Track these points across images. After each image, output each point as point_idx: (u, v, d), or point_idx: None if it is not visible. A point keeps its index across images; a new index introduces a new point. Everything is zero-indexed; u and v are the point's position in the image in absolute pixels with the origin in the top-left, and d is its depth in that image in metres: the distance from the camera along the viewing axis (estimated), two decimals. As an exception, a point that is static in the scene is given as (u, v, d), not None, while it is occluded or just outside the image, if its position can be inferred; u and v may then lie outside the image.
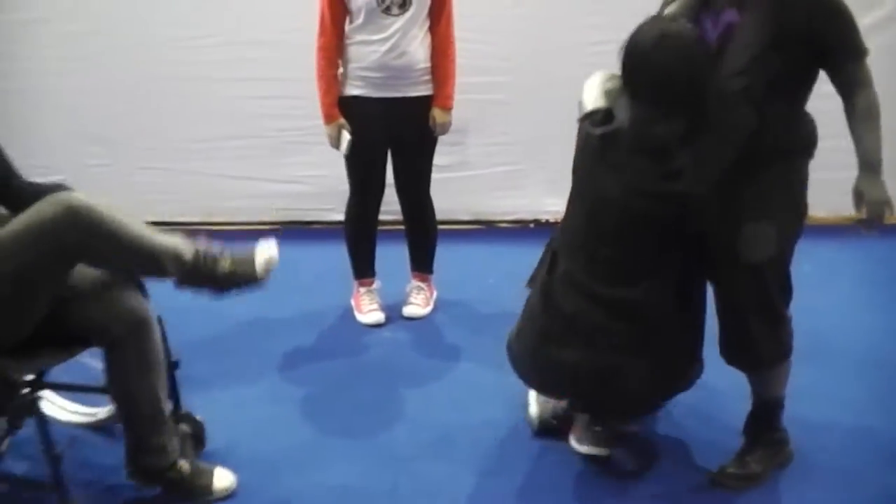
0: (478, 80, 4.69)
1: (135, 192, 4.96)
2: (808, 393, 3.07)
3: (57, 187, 2.74)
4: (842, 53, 2.52)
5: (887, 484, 2.86)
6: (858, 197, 2.56)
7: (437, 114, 3.79)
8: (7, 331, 2.46)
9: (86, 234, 2.42)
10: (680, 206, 2.59)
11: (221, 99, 4.93)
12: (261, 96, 4.91)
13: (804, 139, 2.65)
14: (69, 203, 2.43)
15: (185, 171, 5.06)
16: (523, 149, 4.94)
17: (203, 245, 2.57)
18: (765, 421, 2.89)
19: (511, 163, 5.01)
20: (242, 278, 2.57)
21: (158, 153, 5.05)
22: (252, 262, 2.58)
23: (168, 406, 2.75)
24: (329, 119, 3.77)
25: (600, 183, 2.67)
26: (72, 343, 2.63)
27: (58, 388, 3.02)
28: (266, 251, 2.60)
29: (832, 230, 4.16)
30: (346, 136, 3.75)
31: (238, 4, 4.79)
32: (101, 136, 5.02)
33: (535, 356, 2.85)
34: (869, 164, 2.53)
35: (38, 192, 2.75)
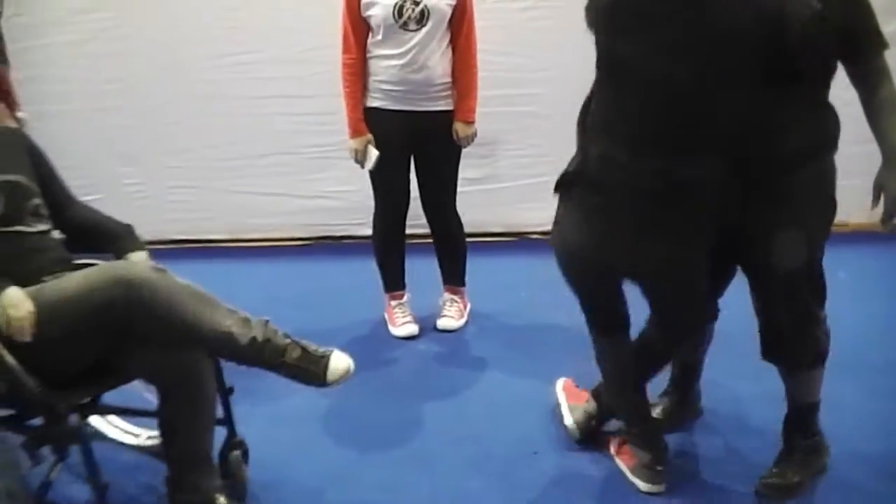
0: (509, 92, 4.72)
1: (166, 211, 5.01)
2: (838, 405, 3.03)
3: (125, 228, 2.79)
4: (866, 42, 2.44)
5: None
6: (878, 190, 2.49)
7: (459, 127, 3.80)
8: (54, 372, 2.43)
9: (139, 318, 2.39)
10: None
11: (249, 117, 4.98)
12: (288, 113, 4.95)
13: (830, 133, 2.55)
14: (128, 283, 2.39)
15: (215, 189, 5.12)
16: (554, 160, 4.86)
17: (267, 330, 2.52)
18: (801, 426, 2.85)
19: (542, 174, 4.97)
20: (308, 377, 2.54)
21: (189, 172, 5.11)
22: (325, 365, 2.53)
23: (215, 438, 2.69)
24: (356, 133, 3.79)
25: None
26: (124, 376, 2.62)
27: (105, 412, 3.00)
28: (343, 361, 2.55)
29: (868, 236, 4.13)
30: (372, 152, 3.78)
31: (265, 23, 4.84)
32: (133, 156, 5.09)
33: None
34: (894, 158, 2.46)
35: (99, 225, 2.82)
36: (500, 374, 3.69)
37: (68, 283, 2.45)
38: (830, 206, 2.60)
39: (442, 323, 4.10)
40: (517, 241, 5.14)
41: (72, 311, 2.38)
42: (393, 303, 4.11)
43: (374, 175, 3.88)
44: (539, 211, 5.06)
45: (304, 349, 2.53)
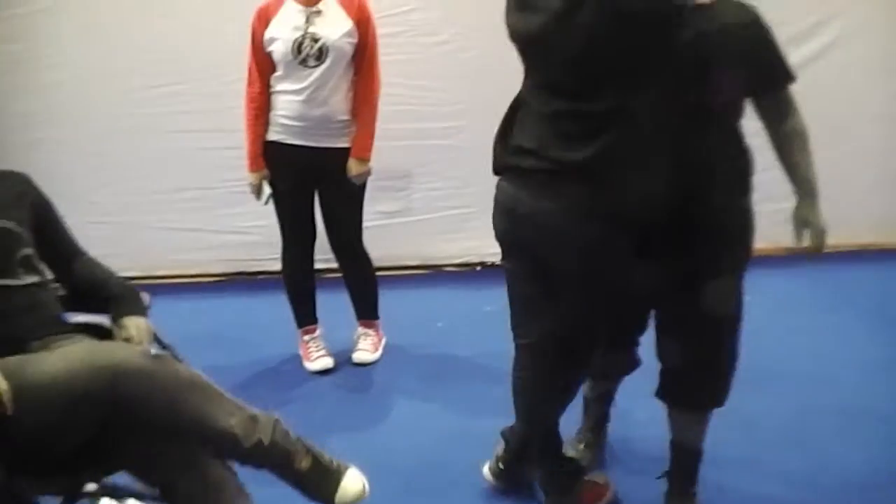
0: (425, 125, 4.75)
1: (86, 247, 4.91)
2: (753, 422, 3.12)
3: (126, 290, 2.60)
4: (774, 75, 2.47)
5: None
6: (803, 225, 2.54)
7: (352, 164, 3.79)
8: (31, 456, 2.15)
9: (126, 413, 2.11)
10: None
11: (168, 151, 4.92)
12: (206, 147, 4.91)
13: (746, 170, 2.56)
14: (111, 375, 2.08)
15: (133, 225, 5.04)
16: (469, 192, 4.98)
17: (276, 432, 2.28)
18: (690, 473, 2.85)
19: (457, 207, 5.06)
20: (315, 492, 2.31)
21: (108, 207, 5.01)
22: (335, 482, 2.31)
23: None
24: (253, 167, 3.81)
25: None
26: (115, 464, 2.30)
27: (117, 494, 2.56)
28: (356, 483, 2.35)
29: (770, 261, 4.25)
30: (266, 188, 3.82)
31: (184, 56, 4.79)
32: (53, 191, 4.97)
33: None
34: (811, 191, 2.52)
35: (98, 284, 2.63)
36: (418, 407, 3.70)
37: (50, 364, 2.15)
38: (750, 248, 2.61)
39: (357, 356, 4.10)
40: (432, 274, 5.16)
41: (48, 397, 2.08)
42: (306, 337, 4.09)
43: (279, 210, 3.89)
44: (454, 243, 5.14)
45: (315, 458, 2.30)
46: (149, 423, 2.14)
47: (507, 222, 2.55)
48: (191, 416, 2.17)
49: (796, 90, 2.50)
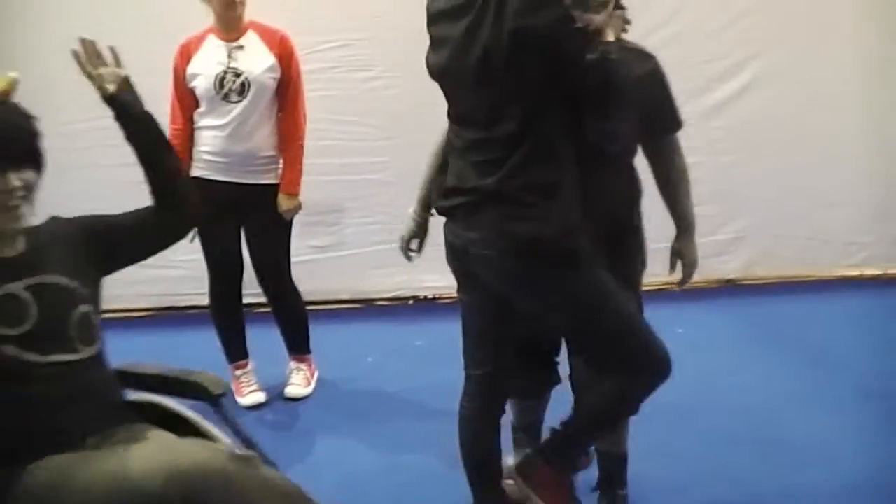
0: (354, 160, 4.77)
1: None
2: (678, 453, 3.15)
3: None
4: (666, 122, 2.67)
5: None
6: (677, 257, 2.77)
7: (282, 199, 3.80)
8: None
9: None
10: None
11: (91, 185, 4.86)
12: (131, 181, 4.84)
13: (637, 199, 2.75)
14: (186, 483, 1.74)
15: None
16: (400, 226, 4.98)
17: None
18: (618, 477, 2.96)
19: (389, 241, 5.00)
20: None
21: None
22: None
23: None
24: None
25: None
26: None
27: None
28: None
29: (700, 293, 4.34)
30: None
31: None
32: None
33: None
34: (689, 226, 2.75)
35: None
36: (344, 443, 3.67)
37: (113, 464, 1.81)
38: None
39: (289, 391, 4.08)
40: (364, 308, 5.16)
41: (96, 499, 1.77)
42: (237, 372, 4.06)
43: (204, 245, 3.87)
44: (386, 277, 5.14)
45: None
46: None
47: (453, 258, 2.63)
48: None
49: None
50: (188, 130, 3.76)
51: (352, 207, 5.01)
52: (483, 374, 2.69)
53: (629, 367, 2.54)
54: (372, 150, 4.96)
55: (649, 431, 3.00)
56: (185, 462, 1.77)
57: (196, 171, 3.77)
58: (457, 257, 2.59)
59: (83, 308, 2.07)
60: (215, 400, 2.18)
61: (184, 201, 2.30)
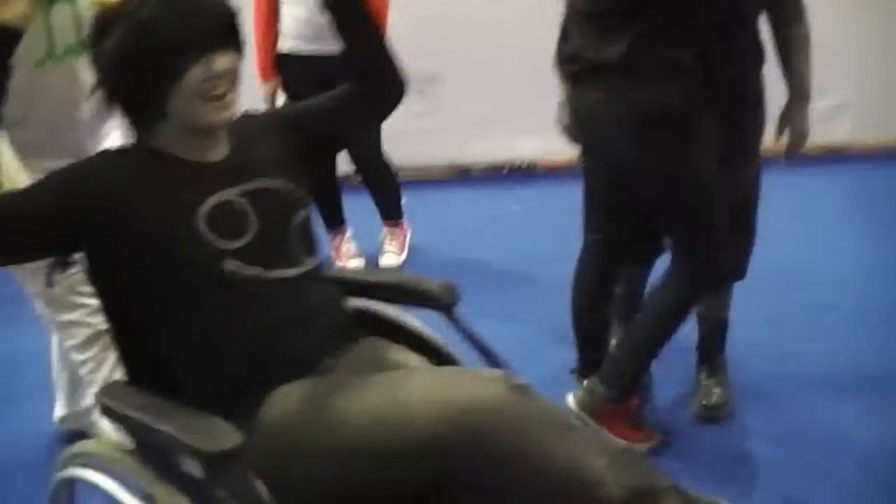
0: (451, 26, 4.71)
1: None
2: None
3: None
4: None
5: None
6: (785, 124, 2.67)
7: None
8: None
9: (468, 468, 1.49)
10: None
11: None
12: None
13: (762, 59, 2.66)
14: (471, 426, 1.48)
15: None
16: (497, 94, 4.93)
17: (644, 468, 1.53)
18: (718, 342, 2.97)
19: (485, 108, 5.00)
20: None
21: None
22: None
23: None
24: (264, 77, 3.82)
25: None
26: None
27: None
28: None
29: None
30: (280, 97, 3.83)
31: None
32: None
33: None
34: (803, 95, 2.64)
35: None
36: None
37: (367, 397, 1.57)
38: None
39: (384, 260, 4.14)
40: (459, 177, 5.16)
41: (367, 451, 1.53)
42: (336, 239, 4.13)
43: None
44: (481, 144, 5.09)
45: (687, 498, 1.49)
46: (489, 477, 1.49)
47: (575, 124, 2.64)
48: (561, 465, 1.48)
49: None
50: (274, 4, 3.74)
51: (449, 76, 4.93)
52: (599, 238, 2.73)
53: (700, 248, 2.55)
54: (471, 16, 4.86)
55: (751, 297, 2.96)
56: (459, 396, 1.52)
57: (284, 46, 3.77)
58: (579, 122, 2.60)
59: (302, 213, 1.82)
60: (448, 310, 1.91)
61: (390, 75, 2.01)
